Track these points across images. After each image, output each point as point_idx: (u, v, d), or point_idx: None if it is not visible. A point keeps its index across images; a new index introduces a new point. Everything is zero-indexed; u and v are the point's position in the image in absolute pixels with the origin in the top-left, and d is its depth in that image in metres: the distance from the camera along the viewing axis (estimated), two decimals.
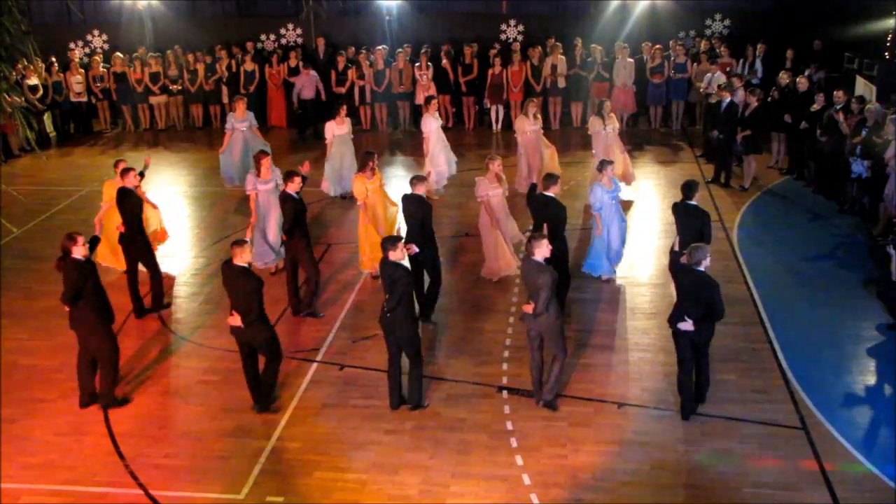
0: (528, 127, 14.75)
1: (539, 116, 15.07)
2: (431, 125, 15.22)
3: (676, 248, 10.14)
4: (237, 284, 8.71)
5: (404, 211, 10.84)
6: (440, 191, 15.45)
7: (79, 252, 8.85)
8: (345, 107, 15.22)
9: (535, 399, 9.08)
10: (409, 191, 10.77)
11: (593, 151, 14.83)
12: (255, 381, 9.06)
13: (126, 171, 11.24)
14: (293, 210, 10.69)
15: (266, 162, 11.89)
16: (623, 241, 11.89)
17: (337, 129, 14.92)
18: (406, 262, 9.04)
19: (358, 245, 12.17)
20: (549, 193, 10.67)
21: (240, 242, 8.79)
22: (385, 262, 8.73)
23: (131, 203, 11.06)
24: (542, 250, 8.60)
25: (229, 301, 8.89)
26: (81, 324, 9.01)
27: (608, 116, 14.60)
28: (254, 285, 8.63)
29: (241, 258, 8.70)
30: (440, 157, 15.41)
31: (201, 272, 12.56)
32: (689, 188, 10.58)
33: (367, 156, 11.91)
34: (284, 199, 10.80)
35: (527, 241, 8.91)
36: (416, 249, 10.44)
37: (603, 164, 11.58)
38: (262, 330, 8.84)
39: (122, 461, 8.34)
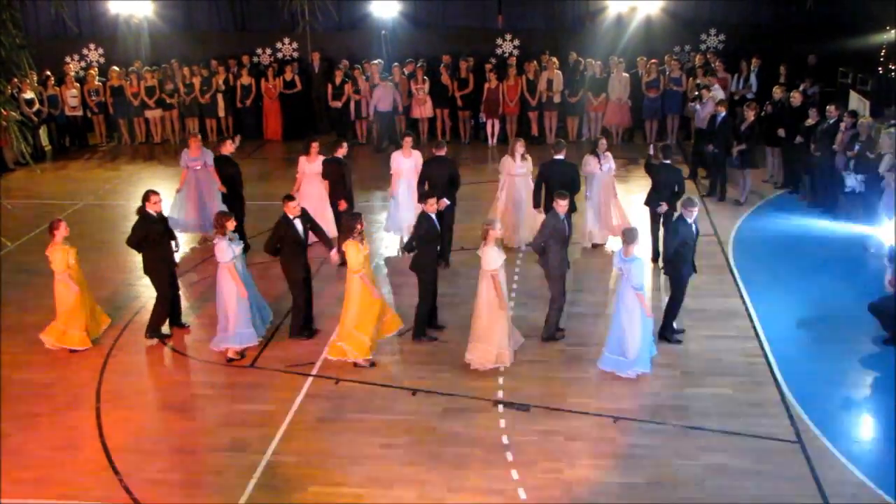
0: (514, 169, 13.24)
1: (528, 157, 13.45)
2: (402, 164, 13.28)
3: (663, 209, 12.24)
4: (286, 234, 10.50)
5: (430, 173, 12.32)
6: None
7: (151, 207, 10.56)
8: (317, 143, 13.67)
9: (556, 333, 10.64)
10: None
11: (587, 195, 13.33)
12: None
13: (223, 140, 13.52)
14: (340, 172, 12.83)
15: (230, 224, 10.24)
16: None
17: (308, 167, 13.51)
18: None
19: (357, 322, 10.12)
20: (560, 157, 12.47)
21: (290, 196, 10.65)
22: (422, 214, 10.51)
23: (229, 168, 13.22)
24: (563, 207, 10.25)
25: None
26: (148, 267, 10.81)
27: (604, 155, 13.23)
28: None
29: (292, 211, 10.41)
30: (404, 205, 13.30)
31: (196, 287, 12.52)
32: (667, 149, 12.70)
33: (353, 218, 10.12)
34: (335, 162, 12.77)
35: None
36: (448, 202, 12.09)
37: (628, 235, 9.65)
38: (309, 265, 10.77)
39: (116, 476, 8.30)
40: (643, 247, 11.33)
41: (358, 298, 10.00)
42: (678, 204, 10.39)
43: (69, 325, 10.65)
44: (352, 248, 9.88)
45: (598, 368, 9.93)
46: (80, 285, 10.65)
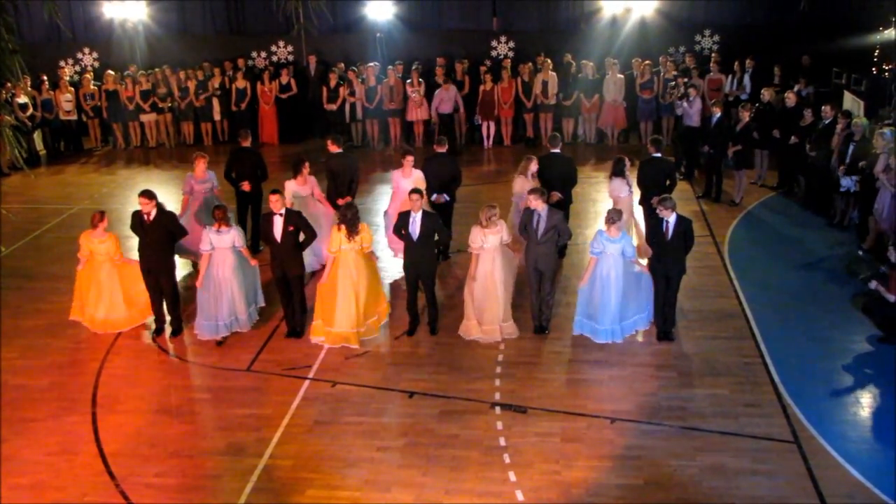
0: (529, 188, 11.72)
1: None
2: (401, 183, 12.66)
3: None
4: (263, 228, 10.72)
5: (430, 170, 12.52)
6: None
7: (145, 207, 10.63)
8: (307, 164, 12.71)
9: (533, 326, 10.85)
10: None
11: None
12: (292, 310, 10.93)
13: (246, 134, 13.66)
14: (346, 164, 12.96)
15: (222, 214, 10.71)
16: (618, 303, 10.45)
17: (298, 189, 12.48)
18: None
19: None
20: (556, 150, 12.64)
21: (275, 191, 10.61)
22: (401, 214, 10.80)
23: (254, 158, 13.48)
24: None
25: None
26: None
27: (630, 176, 12.53)
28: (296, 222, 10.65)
29: (273, 206, 10.48)
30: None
31: (193, 290, 12.48)
32: (657, 142, 12.80)
33: (347, 208, 10.60)
34: (340, 156, 12.98)
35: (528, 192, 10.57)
36: (447, 198, 12.57)
37: (612, 216, 10.24)
38: (298, 266, 10.75)
39: (112, 481, 8.28)
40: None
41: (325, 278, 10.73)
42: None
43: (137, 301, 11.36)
44: (333, 232, 10.61)
45: (600, 341, 10.52)
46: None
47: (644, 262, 10.94)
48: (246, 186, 13.18)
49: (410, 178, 12.58)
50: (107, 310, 11.19)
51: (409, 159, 12.66)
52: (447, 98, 19.42)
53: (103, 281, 11.09)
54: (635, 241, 11.72)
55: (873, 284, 10.45)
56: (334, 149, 13.04)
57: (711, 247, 13.44)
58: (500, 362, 10.24)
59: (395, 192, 12.91)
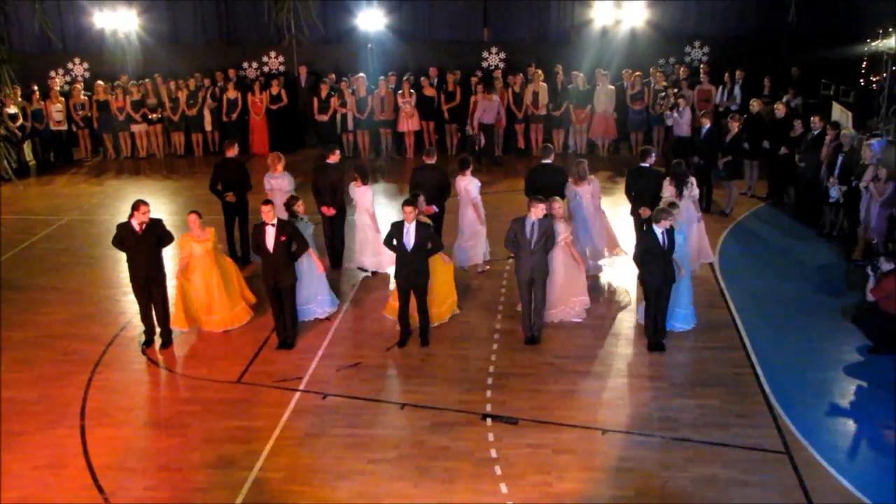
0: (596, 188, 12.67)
1: (594, 178, 12.79)
2: (473, 187, 12.84)
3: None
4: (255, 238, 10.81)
5: (420, 180, 12.63)
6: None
7: (135, 218, 10.56)
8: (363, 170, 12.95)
9: (525, 337, 10.90)
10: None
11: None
12: (283, 321, 10.90)
13: (231, 144, 13.57)
14: (337, 177, 12.93)
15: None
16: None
17: (365, 195, 12.74)
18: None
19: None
20: (548, 161, 12.72)
21: (266, 201, 10.68)
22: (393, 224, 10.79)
23: (238, 170, 13.31)
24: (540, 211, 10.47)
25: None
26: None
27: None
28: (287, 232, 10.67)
29: (265, 216, 10.50)
30: (480, 228, 13.01)
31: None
32: (644, 153, 12.82)
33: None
34: (330, 168, 12.99)
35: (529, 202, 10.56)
36: (436, 209, 12.58)
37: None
38: (290, 276, 10.69)
39: (101, 495, 8.22)
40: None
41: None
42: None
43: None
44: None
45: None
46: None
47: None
48: (231, 197, 13.17)
49: (475, 184, 12.87)
50: (214, 308, 11.43)
51: (470, 169, 12.90)
52: (490, 108, 19.32)
53: (199, 281, 11.32)
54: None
55: (871, 271, 10.59)
56: (333, 159, 13.06)
57: None
58: (492, 373, 10.22)
59: (476, 202, 12.95)
